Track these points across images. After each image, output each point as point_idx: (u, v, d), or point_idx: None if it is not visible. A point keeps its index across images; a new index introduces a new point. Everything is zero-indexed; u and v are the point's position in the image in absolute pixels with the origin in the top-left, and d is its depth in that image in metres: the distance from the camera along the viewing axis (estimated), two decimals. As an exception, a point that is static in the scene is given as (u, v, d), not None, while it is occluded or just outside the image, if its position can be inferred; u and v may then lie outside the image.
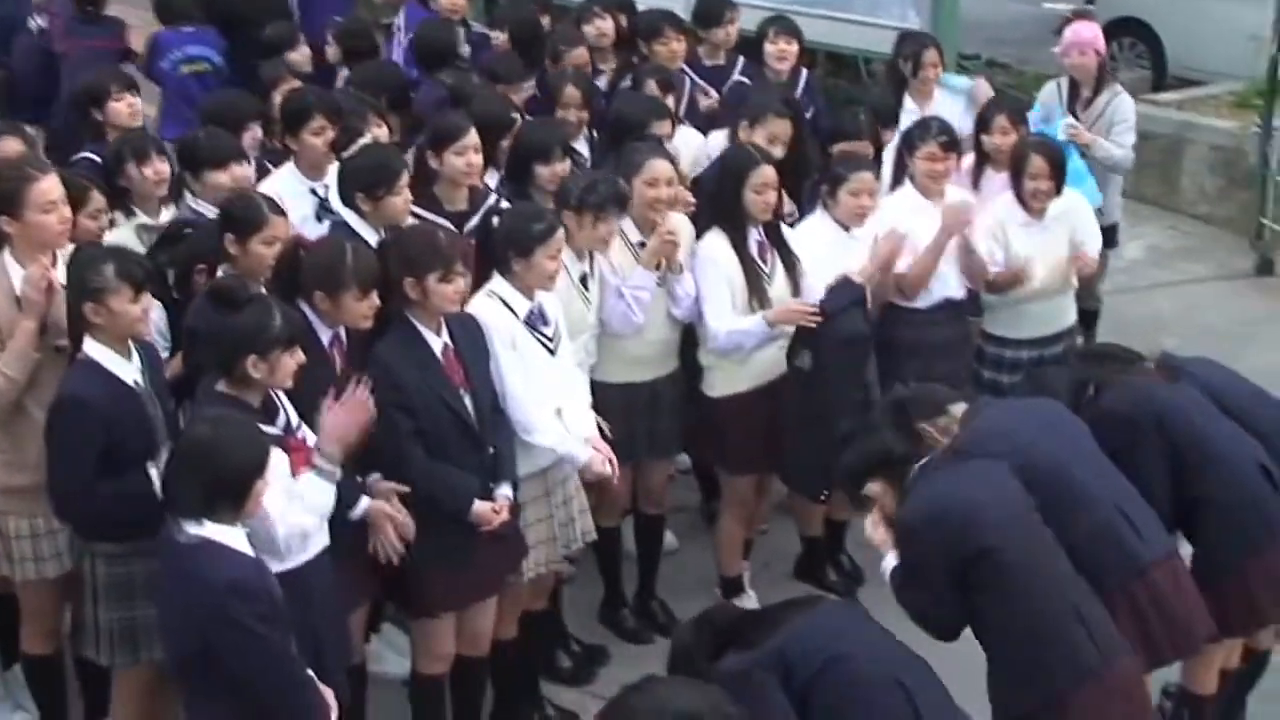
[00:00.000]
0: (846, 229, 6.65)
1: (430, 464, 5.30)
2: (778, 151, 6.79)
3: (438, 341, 5.36)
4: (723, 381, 6.50)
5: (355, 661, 5.50)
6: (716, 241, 6.38)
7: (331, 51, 8.56)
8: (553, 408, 5.70)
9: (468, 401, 5.37)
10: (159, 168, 6.28)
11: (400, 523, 5.24)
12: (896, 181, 7.11)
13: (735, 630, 4.56)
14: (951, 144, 6.94)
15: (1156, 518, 5.29)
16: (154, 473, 4.95)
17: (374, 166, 5.98)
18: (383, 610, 6.20)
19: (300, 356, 4.88)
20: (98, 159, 6.67)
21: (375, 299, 5.22)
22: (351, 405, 4.97)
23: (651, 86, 7.48)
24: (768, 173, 6.33)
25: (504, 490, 5.47)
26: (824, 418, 6.28)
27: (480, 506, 5.37)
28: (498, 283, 5.68)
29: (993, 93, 8.21)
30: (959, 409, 5.39)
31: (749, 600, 6.66)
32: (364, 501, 5.17)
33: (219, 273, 5.53)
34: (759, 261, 6.40)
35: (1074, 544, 5.07)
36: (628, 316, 6.24)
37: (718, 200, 6.42)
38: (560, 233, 5.67)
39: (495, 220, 5.92)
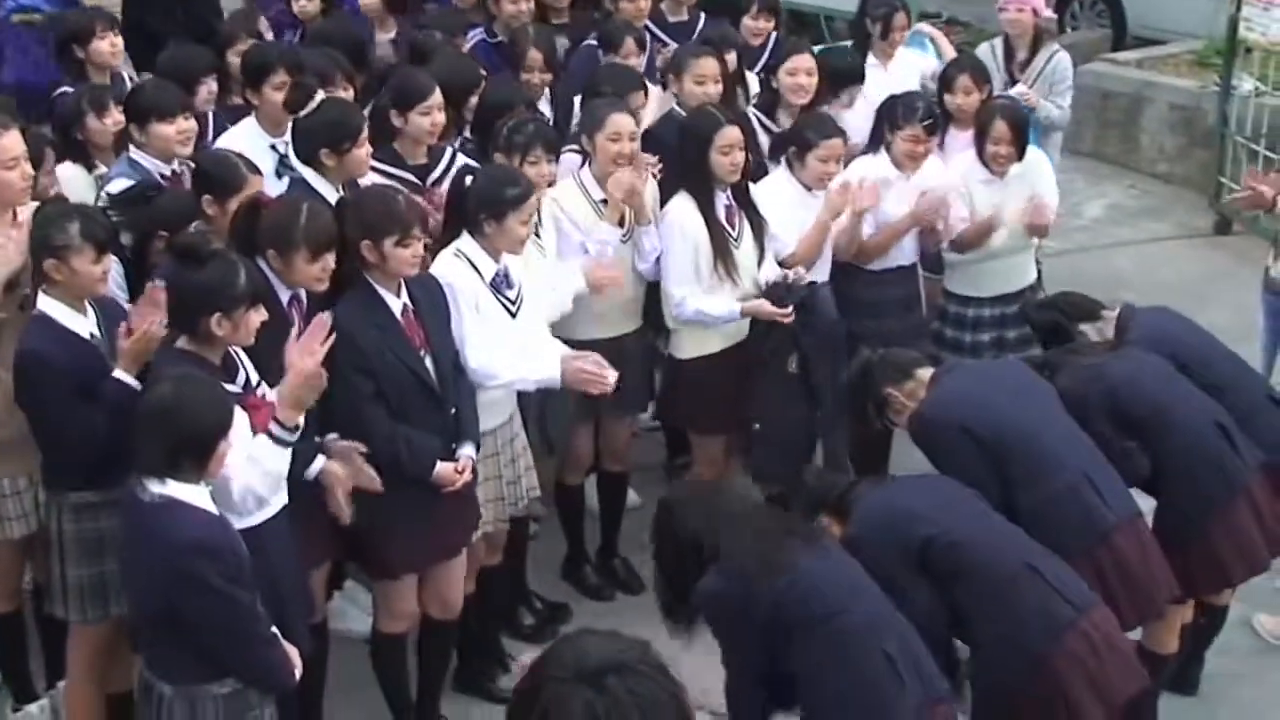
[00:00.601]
0: (809, 189, 6.65)
1: (392, 426, 5.28)
2: (711, 89, 6.82)
3: (397, 303, 5.32)
4: (690, 343, 6.49)
5: (316, 619, 5.50)
6: (683, 205, 6.32)
7: (309, 6, 8.46)
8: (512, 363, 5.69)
9: (428, 363, 5.35)
10: (117, 117, 6.28)
11: (367, 477, 5.21)
12: (872, 148, 7.05)
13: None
14: (934, 126, 6.93)
15: (1120, 481, 5.34)
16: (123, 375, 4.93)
17: (336, 121, 5.94)
18: (345, 568, 6.20)
19: (263, 314, 4.84)
20: None
21: (329, 262, 5.16)
22: (306, 350, 4.78)
23: (630, 46, 7.44)
24: (733, 133, 6.26)
25: (466, 450, 5.47)
26: (803, 408, 6.39)
27: (443, 468, 5.36)
28: (465, 242, 5.64)
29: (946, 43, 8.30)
30: (925, 373, 5.43)
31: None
32: (319, 461, 5.14)
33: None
34: (726, 226, 6.35)
35: (1038, 509, 5.12)
36: None
37: (683, 163, 6.37)
38: (534, 198, 5.64)
39: (468, 179, 5.87)
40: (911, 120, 6.85)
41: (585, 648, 2.62)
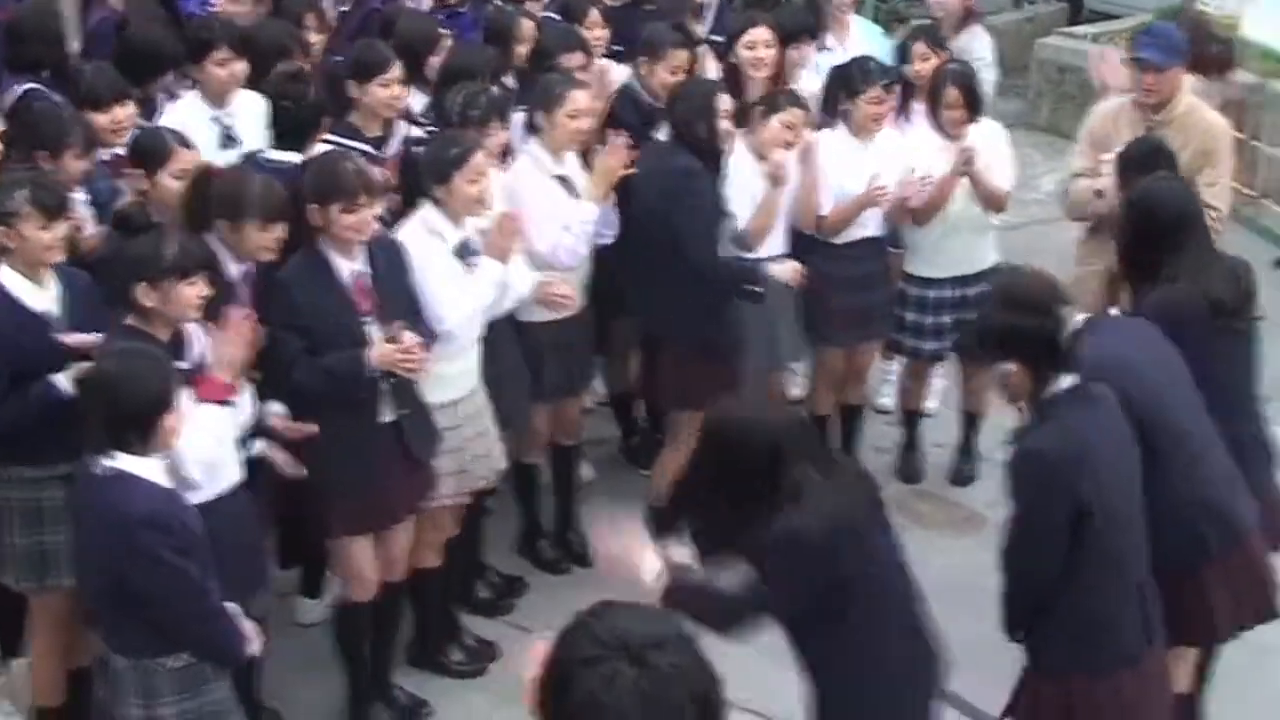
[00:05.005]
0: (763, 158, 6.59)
1: (314, 359, 5.21)
2: (682, 78, 6.84)
3: (346, 267, 5.29)
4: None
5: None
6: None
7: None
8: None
9: (374, 330, 5.29)
10: None
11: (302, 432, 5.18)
12: (827, 120, 6.96)
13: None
14: (891, 85, 6.88)
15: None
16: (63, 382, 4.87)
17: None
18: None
19: (202, 289, 4.79)
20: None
21: (280, 230, 5.16)
22: (232, 326, 4.86)
23: (594, 16, 7.43)
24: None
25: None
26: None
27: (377, 351, 5.24)
28: (428, 212, 5.66)
29: None
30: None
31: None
32: (258, 444, 5.09)
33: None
34: None
35: (1165, 517, 4.74)
36: (574, 251, 6.21)
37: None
38: (479, 156, 5.62)
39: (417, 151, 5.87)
40: (871, 82, 6.80)
41: (623, 624, 2.50)
